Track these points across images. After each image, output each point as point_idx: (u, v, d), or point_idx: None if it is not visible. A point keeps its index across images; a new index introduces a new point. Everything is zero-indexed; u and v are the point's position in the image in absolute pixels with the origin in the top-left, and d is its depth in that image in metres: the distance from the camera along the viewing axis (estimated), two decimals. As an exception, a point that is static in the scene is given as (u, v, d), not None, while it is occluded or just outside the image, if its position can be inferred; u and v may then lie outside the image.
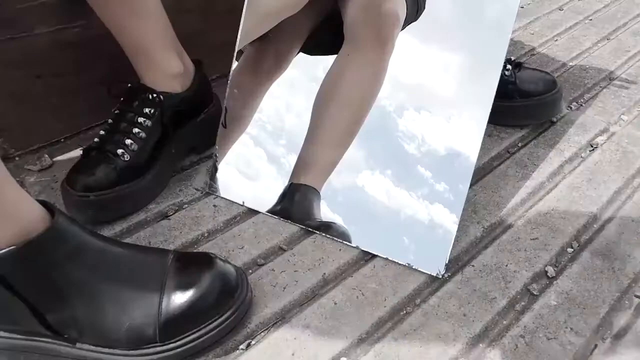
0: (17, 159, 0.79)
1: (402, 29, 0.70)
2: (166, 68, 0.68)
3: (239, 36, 0.73)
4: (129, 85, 0.68)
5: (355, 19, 0.70)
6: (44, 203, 0.48)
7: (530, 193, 0.71)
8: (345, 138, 0.68)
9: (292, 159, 0.70)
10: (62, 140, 0.82)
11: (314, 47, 0.75)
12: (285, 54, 0.76)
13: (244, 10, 0.72)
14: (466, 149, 0.62)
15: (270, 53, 0.75)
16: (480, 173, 0.74)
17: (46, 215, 0.46)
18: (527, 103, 0.80)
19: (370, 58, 0.68)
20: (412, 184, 0.64)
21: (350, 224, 0.65)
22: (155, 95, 0.67)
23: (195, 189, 0.73)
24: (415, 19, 0.69)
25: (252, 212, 0.69)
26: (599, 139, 0.81)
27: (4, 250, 0.42)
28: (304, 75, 0.72)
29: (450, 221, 0.61)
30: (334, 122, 0.69)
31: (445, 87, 0.65)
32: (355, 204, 0.66)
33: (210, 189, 0.72)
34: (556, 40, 1.10)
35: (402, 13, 0.69)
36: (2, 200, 0.43)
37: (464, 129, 0.63)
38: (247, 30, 0.73)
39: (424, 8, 0.69)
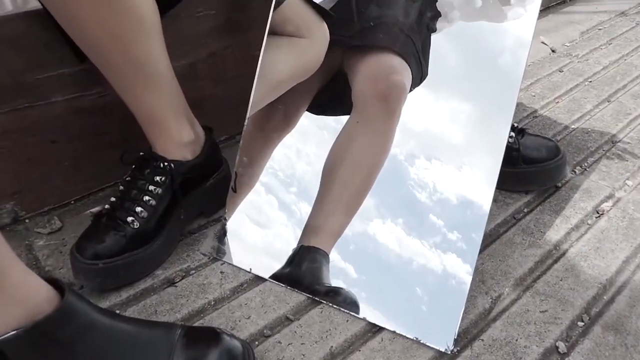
0: (27, 221, 0.80)
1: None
2: (178, 137, 0.70)
3: (250, 103, 0.75)
4: (141, 153, 0.70)
5: (363, 90, 0.73)
6: (54, 281, 0.48)
7: (538, 262, 0.71)
8: (355, 202, 0.70)
9: (303, 206, 0.71)
10: (72, 202, 0.83)
11: (319, 108, 0.77)
12: (294, 113, 0.79)
13: (255, 78, 0.75)
14: (478, 198, 0.63)
15: (278, 112, 0.77)
16: (487, 240, 0.74)
17: (54, 295, 0.46)
18: (531, 169, 0.81)
19: (379, 127, 0.70)
20: (424, 232, 0.64)
21: (362, 273, 0.65)
22: (166, 163, 0.68)
23: (203, 254, 0.73)
24: (419, 84, 0.72)
25: (259, 279, 0.69)
26: (605, 205, 0.82)
27: (8, 335, 0.42)
28: (314, 123, 0.74)
29: (463, 271, 0.61)
30: (343, 186, 0.70)
31: (456, 135, 0.66)
32: (367, 252, 0.66)
33: (218, 254, 0.73)
34: (557, 102, 1.13)
35: (408, 83, 0.72)
36: (6, 284, 0.43)
37: (476, 178, 0.64)
38: (259, 97, 0.75)
39: (427, 74, 0.71)
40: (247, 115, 0.75)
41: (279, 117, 0.77)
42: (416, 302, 0.62)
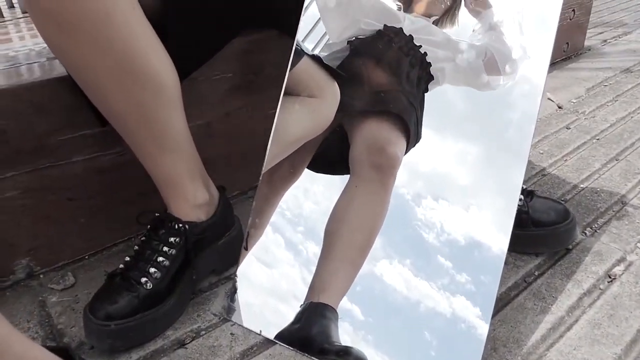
0: (41, 276, 0.81)
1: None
2: (193, 199, 0.72)
3: (265, 161, 0.77)
4: (157, 214, 0.71)
5: (359, 158, 0.76)
6: (64, 350, 0.48)
7: (550, 329, 0.70)
8: (359, 259, 0.71)
9: (310, 246, 0.71)
10: (87, 257, 0.85)
11: (320, 166, 0.80)
12: (299, 165, 0.81)
13: (270, 138, 0.77)
14: (487, 240, 0.62)
15: (285, 165, 0.79)
16: (499, 304, 0.74)
17: None
18: (541, 233, 0.81)
19: (376, 191, 0.73)
20: (431, 274, 0.64)
21: (368, 315, 0.65)
22: (181, 225, 0.70)
23: (213, 314, 0.73)
24: (415, 146, 0.75)
25: (269, 342, 0.69)
26: (617, 270, 0.81)
27: None
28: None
29: (473, 315, 0.60)
30: (347, 245, 0.72)
31: (463, 176, 0.67)
32: (374, 293, 0.66)
33: (228, 314, 0.73)
34: (565, 160, 1.14)
35: (402, 154, 0.75)
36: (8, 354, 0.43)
37: (484, 219, 0.64)
38: (273, 155, 0.78)
39: (421, 136, 0.74)
40: (262, 172, 0.77)
41: (285, 168, 0.80)
42: (424, 347, 0.61)
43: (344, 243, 0.71)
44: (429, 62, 0.78)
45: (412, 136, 0.75)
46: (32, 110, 0.71)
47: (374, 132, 0.78)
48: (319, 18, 0.84)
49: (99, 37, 0.57)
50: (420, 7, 0.85)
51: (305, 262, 0.70)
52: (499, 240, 0.63)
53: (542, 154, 1.17)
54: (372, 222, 0.71)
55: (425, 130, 0.73)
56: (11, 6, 1.41)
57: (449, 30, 0.82)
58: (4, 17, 1.26)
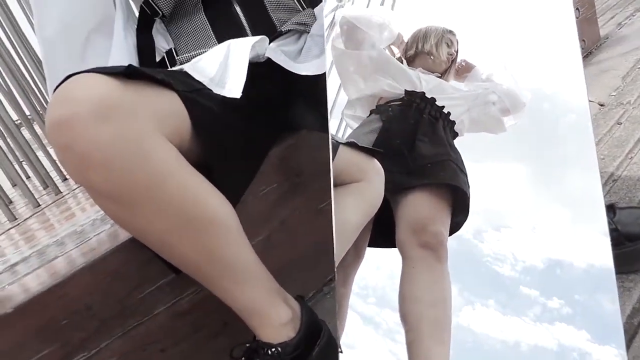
0: None
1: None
2: (277, 319, 0.71)
3: (335, 257, 0.77)
4: (248, 345, 0.71)
5: (406, 241, 0.77)
6: None
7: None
8: (445, 332, 0.68)
9: (386, 315, 0.68)
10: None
11: (380, 242, 0.80)
12: (361, 247, 0.81)
13: (334, 234, 0.78)
14: (566, 256, 0.57)
15: (350, 251, 0.79)
16: (625, 337, 0.68)
17: None
18: (638, 246, 0.76)
19: (434, 265, 0.73)
20: (519, 307, 0.58)
21: None
22: (273, 349, 0.69)
23: None
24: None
25: None
26: None
27: None
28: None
29: (582, 339, 0.54)
30: (429, 322, 0.69)
31: (517, 198, 0.64)
32: (466, 346, 0.61)
33: None
34: (631, 158, 1.08)
35: (446, 227, 0.74)
36: None
37: (555, 235, 0.59)
38: (341, 248, 0.79)
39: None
40: (335, 269, 0.77)
41: (350, 254, 0.80)
42: None
43: (427, 321, 0.70)
44: (454, 121, 0.79)
45: (467, 199, 0.74)
46: (110, 279, 0.75)
47: (416, 210, 0.78)
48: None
49: (154, 201, 0.61)
50: (427, 65, 0.87)
51: (387, 332, 0.67)
52: (581, 251, 0.58)
53: (603, 158, 1.11)
54: (441, 294, 0.70)
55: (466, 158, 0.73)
56: (65, 179, 1.53)
57: (453, 84, 0.85)
58: (61, 192, 1.37)
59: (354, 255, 0.82)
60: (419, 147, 0.78)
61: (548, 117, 0.74)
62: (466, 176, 0.73)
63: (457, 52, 0.83)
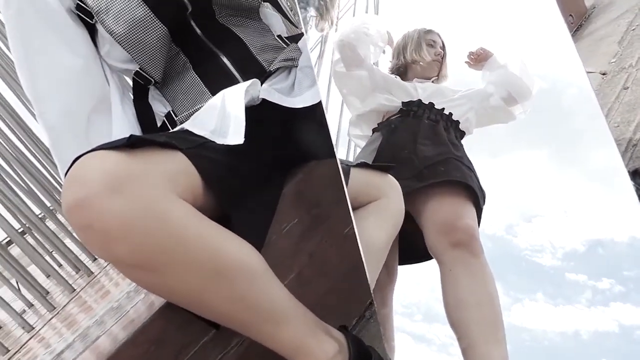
0: None
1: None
2: (324, 354, 0.70)
3: (369, 280, 0.77)
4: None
5: (437, 244, 0.75)
6: None
7: None
8: (499, 331, 0.66)
9: (436, 329, 0.65)
10: None
11: (407, 258, 0.80)
12: (392, 265, 0.81)
13: (363, 258, 0.77)
14: (606, 233, 0.55)
15: (382, 272, 0.79)
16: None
17: None
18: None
19: (471, 262, 0.72)
20: (570, 295, 0.56)
21: None
22: (327, 385, 0.68)
23: None
24: (484, 202, 0.72)
25: None
26: None
27: None
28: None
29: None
30: (481, 324, 0.68)
31: (542, 185, 0.62)
32: (525, 345, 0.59)
33: None
34: (647, 118, 1.06)
35: (474, 219, 0.73)
36: None
37: (590, 214, 0.57)
38: (374, 270, 0.78)
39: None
40: (372, 293, 0.76)
41: (383, 274, 0.80)
42: (606, 354, 0.52)
43: (477, 324, 0.68)
44: (457, 120, 0.79)
45: (479, 196, 0.74)
46: (154, 347, 0.75)
47: (438, 211, 0.77)
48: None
49: (179, 260, 0.61)
50: (418, 72, 0.88)
51: (442, 347, 0.65)
52: (618, 225, 0.56)
53: (617, 126, 1.09)
54: (485, 291, 0.69)
55: (479, 160, 0.72)
56: (95, 259, 1.56)
57: (447, 83, 0.86)
58: (93, 272, 1.39)
59: (387, 274, 0.82)
60: (420, 151, 0.78)
61: (551, 98, 0.73)
62: (472, 171, 0.73)
63: (443, 46, 0.84)
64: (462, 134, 0.81)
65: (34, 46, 0.81)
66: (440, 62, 0.87)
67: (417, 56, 0.84)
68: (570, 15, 1.77)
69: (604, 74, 1.35)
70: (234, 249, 0.67)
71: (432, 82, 0.89)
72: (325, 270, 0.95)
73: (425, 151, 0.79)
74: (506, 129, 0.77)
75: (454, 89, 0.86)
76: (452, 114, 0.81)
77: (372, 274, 0.78)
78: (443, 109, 0.80)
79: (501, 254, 0.65)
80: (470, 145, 0.78)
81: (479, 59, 0.80)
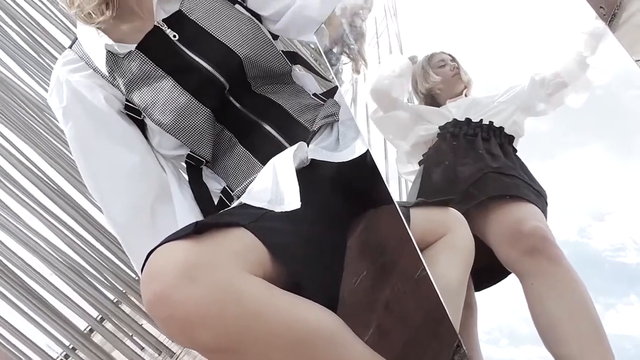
0: None
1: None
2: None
3: (453, 322, 0.74)
4: None
5: (510, 259, 0.71)
6: None
7: None
8: (602, 342, 0.61)
9: (527, 352, 0.62)
10: None
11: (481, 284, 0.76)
12: (470, 298, 0.78)
13: (442, 300, 0.75)
14: None
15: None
16: None
17: None
18: None
19: (552, 270, 0.66)
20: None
21: None
22: None
23: None
24: (547, 204, 0.68)
25: None
26: None
27: None
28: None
29: None
30: (581, 340, 0.63)
31: (609, 178, 0.59)
32: (632, 355, 0.55)
33: None
34: None
35: (542, 219, 0.68)
36: None
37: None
38: (456, 310, 0.77)
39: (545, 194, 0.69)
40: (458, 333, 0.73)
41: (464, 310, 0.76)
42: None
43: (576, 339, 0.63)
44: (499, 127, 0.76)
45: (540, 201, 0.69)
46: None
47: (501, 222, 0.74)
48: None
49: (260, 337, 0.61)
50: (445, 94, 0.87)
51: None
52: None
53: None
54: (575, 299, 0.63)
55: (534, 164, 0.68)
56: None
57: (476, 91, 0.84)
58: (174, 352, 1.41)
59: (467, 309, 0.78)
60: (460, 173, 0.76)
61: (598, 87, 0.69)
62: (514, 178, 0.69)
63: (454, 59, 0.82)
64: (511, 138, 0.77)
65: (92, 149, 0.87)
66: (459, 74, 0.85)
67: (428, 84, 0.83)
68: (601, 7, 1.72)
69: (653, 61, 1.28)
70: (310, 315, 0.66)
71: (465, 95, 0.87)
72: (404, 319, 0.92)
73: (463, 173, 0.76)
74: (559, 127, 0.73)
75: (491, 95, 0.83)
76: (492, 122, 0.78)
77: (454, 315, 0.75)
78: (481, 120, 0.78)
79: (579, 260, 0.60)
80: (523, 148, 0.75)
81: (555, 88, 0.77)
